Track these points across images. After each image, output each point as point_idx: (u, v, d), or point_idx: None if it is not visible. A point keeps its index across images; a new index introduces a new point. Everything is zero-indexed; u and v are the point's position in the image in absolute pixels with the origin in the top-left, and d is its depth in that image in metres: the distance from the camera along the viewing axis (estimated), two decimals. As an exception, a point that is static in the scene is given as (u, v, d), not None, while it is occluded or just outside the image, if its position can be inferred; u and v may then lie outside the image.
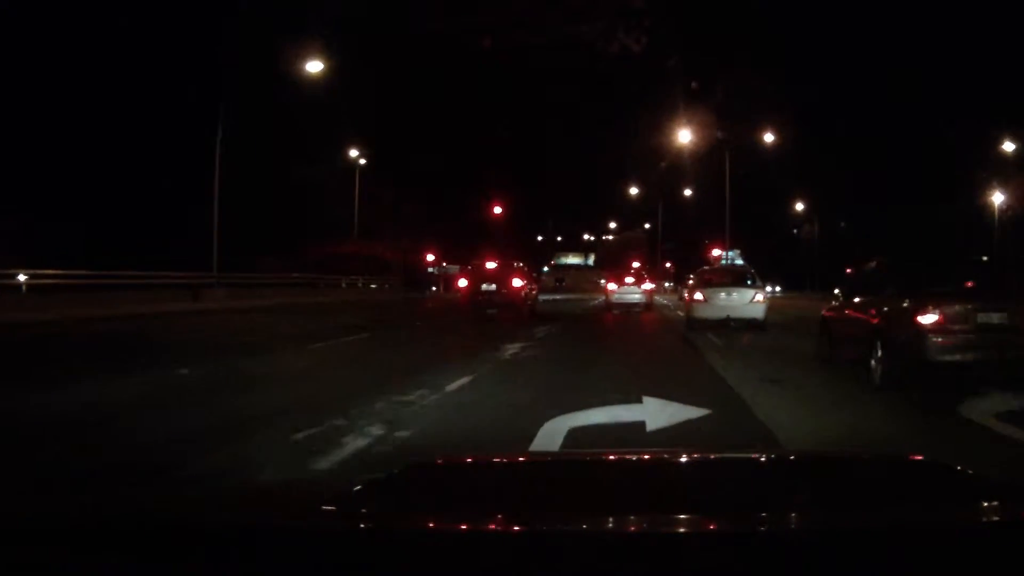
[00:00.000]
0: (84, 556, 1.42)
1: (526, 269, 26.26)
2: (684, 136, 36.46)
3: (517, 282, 23.54)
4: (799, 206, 61.28)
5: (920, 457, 2.46)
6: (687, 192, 58.25)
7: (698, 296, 17.43)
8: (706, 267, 23.74)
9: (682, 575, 1.32)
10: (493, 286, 23.17)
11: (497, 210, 47.69)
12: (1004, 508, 1.74)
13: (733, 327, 16.59)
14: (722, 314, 16.79)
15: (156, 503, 1.93)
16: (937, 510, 1.71)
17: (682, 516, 1.60)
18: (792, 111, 39.47)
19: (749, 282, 17.64)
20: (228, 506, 1.87)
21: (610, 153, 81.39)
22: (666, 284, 70.91)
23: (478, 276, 23.78)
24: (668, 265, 74.94)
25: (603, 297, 30.49)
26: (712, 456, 2.61)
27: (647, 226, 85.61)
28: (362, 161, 44.61)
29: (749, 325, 16.60)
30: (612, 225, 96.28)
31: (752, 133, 39.56)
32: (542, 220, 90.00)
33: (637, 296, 27.86)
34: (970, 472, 2.12)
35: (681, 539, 1.44)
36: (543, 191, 79.37)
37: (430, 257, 49.31)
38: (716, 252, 39.32)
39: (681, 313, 23.38)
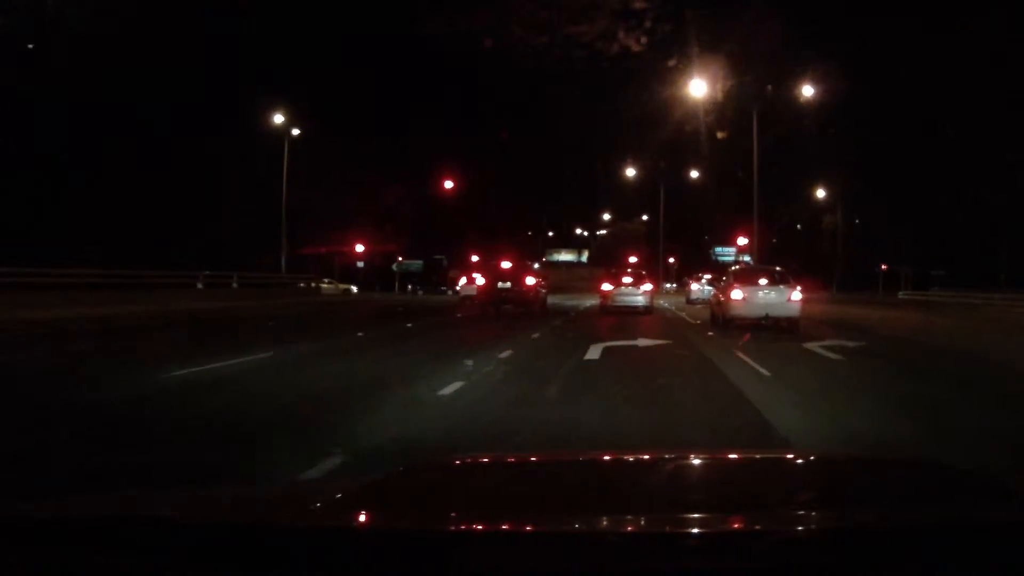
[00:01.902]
0: (83, 555, 1.42)
1: (538, 268, 29.20)
2: (695, 91, 27.53)
3: (530, 280, 24.85)
4: (820, 193, 52.36)
5: (920, 458, 2.74)
6: (693, 174, 49.37)
7: (736, 294, 17.30)
8: (737, 266, 23.89)
9: (685, 575, 1.33)
10: (508, 284, 24.21)
11: (448, 184, 39.65)
12: (1003, 508, 1.76)
13: (767, 324, 16.79)
14: (761, 312, 16.94)
15: (156, 503, 1.89)
16: (936, 510, 1.70)
17: (684, 516, 1.61)
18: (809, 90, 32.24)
19: (785, 281, 17.73)
20: (228, 506, 1.85)
21: (604, 139, 74.14)
22: (667, 285, 63.28)
23: (494, 274, 24.96)
24: (671, 260, 66.04)
25: (598, 299, 26.88)
26: (714, 456, 2.62)
27: (645, 218, 77.33)
28: (295, 132, 35.64)
29: (787, 324, 16.82)
30: (606, 217, 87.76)
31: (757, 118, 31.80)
32: (532, 214, 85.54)
33: (636, 299, 24.97)
34: (969, 472, 2.22)
35: (683, 539, 1.42)
36: (534, 183, 75.52)
37: (359, 248, 40.94)
38: (742, 241, 32.05)
39: (685, 315, 21.83)
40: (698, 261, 74.40)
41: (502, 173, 65.87)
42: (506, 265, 25.71)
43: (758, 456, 2.82)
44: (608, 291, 25.23)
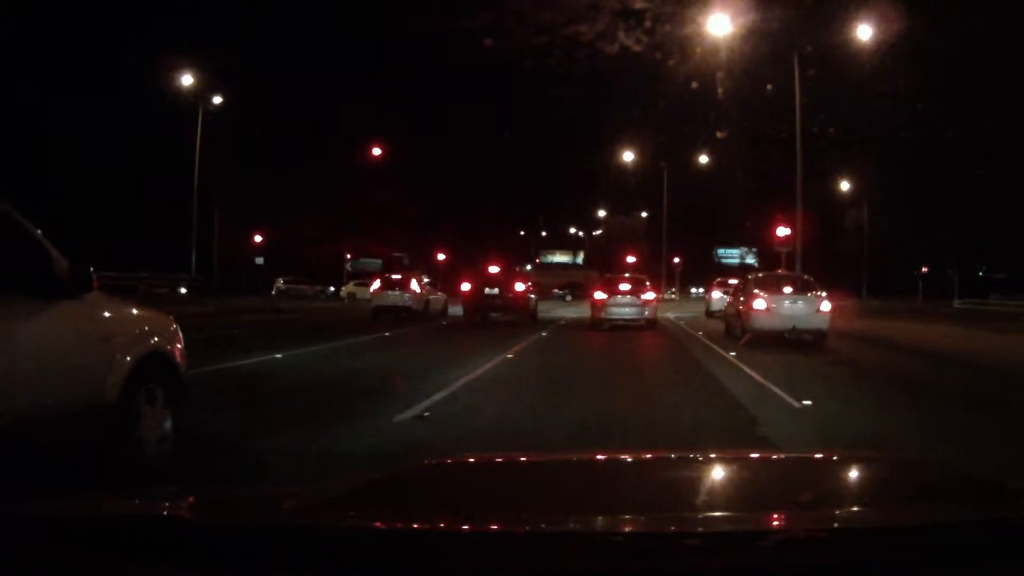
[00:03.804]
0: (83, 555, 1.43)
1: (528, 272, 27.60)
2: (715, 28, 20.85)
3: (520, 286, 23.13)
4: (837, 182, 45.24)
5: (920, 457, 2.78)
6: (702, 160, 42.27)
7: (759, 303, 15.73)
8: (759, 273, 20.73)
9: (685, 575, 1.35)
10: (496, 290, 22.60)
11: (376, 151, 33.32)
12: (1004, 508, 1.77)
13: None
14: (787, 324, 15.39)
15: (157, 503, 1.87)
16: (937, 509, 1.70)
17: (684, 516, 1.65)
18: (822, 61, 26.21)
19: (812, 289, 16.23)
20: (229, 506, 1.88)
21: (601, 123, 68.29)
22: (693, 290, 56.37)
23: (481, 280, 23.29)
24: (676, 261, 58.83)
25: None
26: (712, 456, 2.58)
27: (644, 215, 70.98)
28: (217, 100, 28.84)
29: (813, 337, 15.34)
30: (601, 213, 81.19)
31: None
32: (524, 213, 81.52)
33: (636, 310, 20.36)
34: (967, 471, 2.27)
35: (684, 539, 1.42)
36: (528, 179, 72.37)
37: (258, 238, 34.12)
38: (782, 232, 24.92)
39: (734, 356, 13.31)
40: (703, 262, 68.56)
41: (491, 167, 63.91)
42: (494, 269, 24.15)
43: (758, 456, 2.81)
44: (601, 300, 20.33)
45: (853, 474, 2.26)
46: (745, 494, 1.98)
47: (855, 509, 1.75)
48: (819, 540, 1.38)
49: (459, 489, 2.02)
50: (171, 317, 4.99)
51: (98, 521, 1.57)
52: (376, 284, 26.18)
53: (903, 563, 1.34)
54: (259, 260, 30.73)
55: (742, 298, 16.65)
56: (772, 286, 16.36)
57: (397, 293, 24.77)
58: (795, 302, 15.62)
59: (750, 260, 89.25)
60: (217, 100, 29.92)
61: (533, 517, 1.60)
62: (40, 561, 1.42)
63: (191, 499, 1.92)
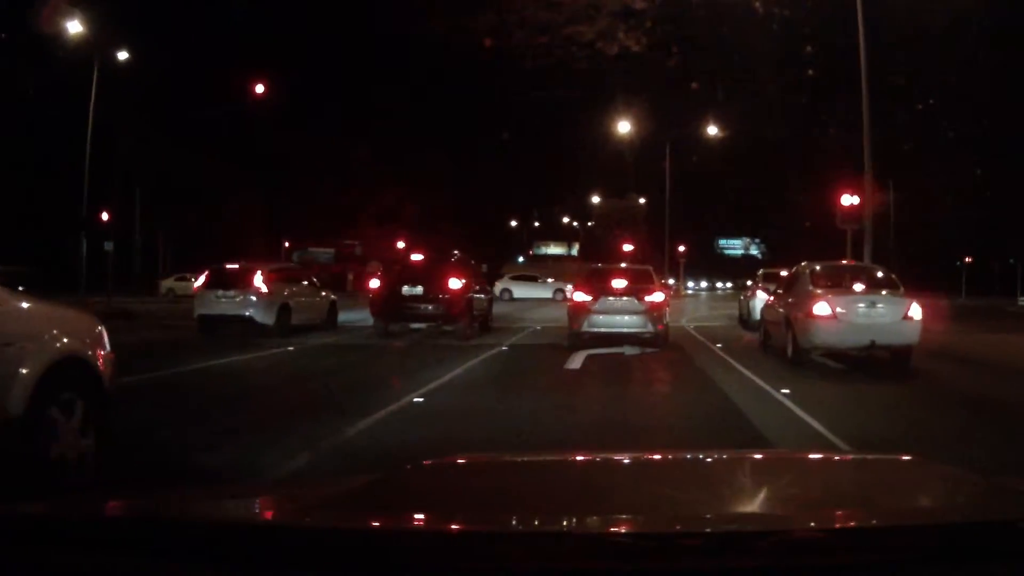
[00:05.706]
0: (83, 555, 1.44)
1: (470, 263, 18.15)
2: None
3: (454, 283, 15.94)
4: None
5: (920, 457, 2.66)
6: (711, 131, 36.87)
7: (822, 308, 11.06)
8: (815, 263, 12.89)
9: (685, 575, 1.36)
10: (418, 289, 15.82)
11: (259, 88, 28.27)
12: (1002, 507, 1.77)
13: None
14: (863, 338, 10.98)
15: (156, 503, 1.90)
16: (935, 509, 1.78)
17: (684, 516, 1.66)
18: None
19: (891, 286, 11.91)
20: (228, 505, 1.90)
21: (594, 106, 63.82)
22: (719, 284, 51.29)
23: (396, 275, 16.66)
24: (681, 249, 53.45)
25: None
26: (712, 456, 2.59)
27: (642, 201, 66.58)
28: (122, 55, 23.73)
29: (894, 356, 11.12)
30: (595, 200, 76.89)
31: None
32: (518, 204, 78.31)
33: (636, 319, 13.49)
34: (965, 471, 2.24)
35: (684, 539, 1.43)
36: (518, 171, 66.98)
37: (104, 216, 28.67)
38: (848, 201, 18.83)
39: (782, 393, 8.82)
40: (703, 254, 64.49)
41: (485, 160, 59.84)
42: (416, 258, 17.53)
43: (758, 456, 2.81)
44: (582, 304, 13.70)
45: (853, 474, 2.28)
46: (745, 494, 1.98)
47: (855, 509, 1.73)
48: (819, 540, 1.39)
49: (457, 489, 2.01)
50: (95, 318, 4.74)
51: (97, 521, 1.56)
52: (200, 280, 16.60)
53: (903, 563, 1.34)
54: (108, 246, 25.00)
55: (791, 299, 12.06)
56: (838, 282, 12.00)
57: (232, 295, 15.58)
58: (873, 305, 11.16)
59: (754, 252, 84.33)
60: (123, 56, 24.60)
61: (531, 517, 1.61)
62: (38, 561, 1.40)
63: (192, 498, 1.95)
